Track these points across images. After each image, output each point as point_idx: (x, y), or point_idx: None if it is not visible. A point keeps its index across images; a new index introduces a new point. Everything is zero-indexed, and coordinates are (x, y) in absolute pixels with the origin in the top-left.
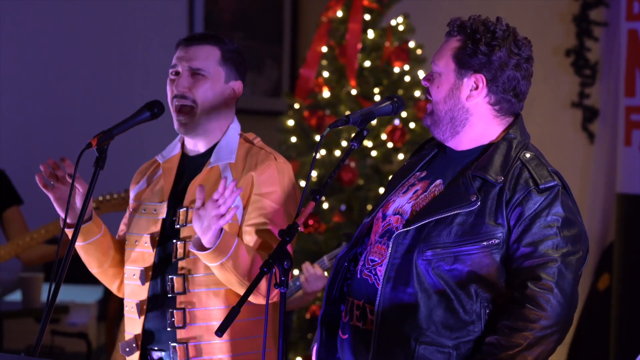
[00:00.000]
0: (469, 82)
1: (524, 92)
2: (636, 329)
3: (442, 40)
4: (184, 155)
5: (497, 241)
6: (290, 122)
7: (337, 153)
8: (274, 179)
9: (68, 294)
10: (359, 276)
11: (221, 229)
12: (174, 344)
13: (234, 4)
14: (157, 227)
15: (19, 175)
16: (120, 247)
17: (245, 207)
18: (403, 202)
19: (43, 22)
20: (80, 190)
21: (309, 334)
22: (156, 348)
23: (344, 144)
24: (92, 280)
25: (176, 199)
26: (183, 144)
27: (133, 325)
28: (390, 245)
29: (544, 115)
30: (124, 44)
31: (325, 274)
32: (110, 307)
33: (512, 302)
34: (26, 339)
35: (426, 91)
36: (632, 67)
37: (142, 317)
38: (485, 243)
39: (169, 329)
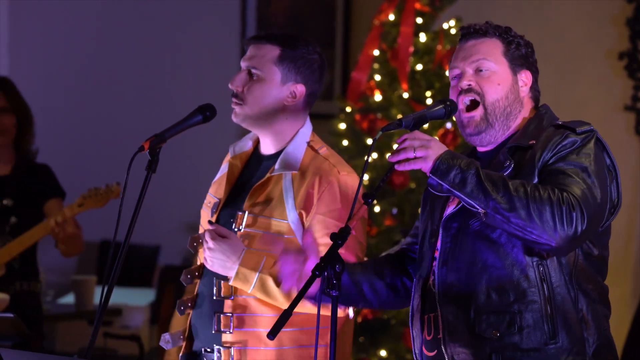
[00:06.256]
0: (521, 77)
1: None
2: None
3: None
4: (257, 152)
5: (537, 180)
6: (342, 126)
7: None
8: (335, 197)
9: (121, 296)
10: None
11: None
12: (219, 347)
13: (286, 7)
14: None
15: (61, 174)
16: None
17: (307, 224)
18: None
19: (96, 22)
20: None
21: (361, 337)
22: (200, 345)
23: (396, 147)
24: (145, 283)
25: (236, 198)
26: (258, 142)
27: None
28: (441, 230)
29: (596, 118)
30: (177, 47)
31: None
32: (163, 310)
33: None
34: (79, 341)
35: (467, 92)
36: None
37: (190, 312)
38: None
39: (213, 332)
